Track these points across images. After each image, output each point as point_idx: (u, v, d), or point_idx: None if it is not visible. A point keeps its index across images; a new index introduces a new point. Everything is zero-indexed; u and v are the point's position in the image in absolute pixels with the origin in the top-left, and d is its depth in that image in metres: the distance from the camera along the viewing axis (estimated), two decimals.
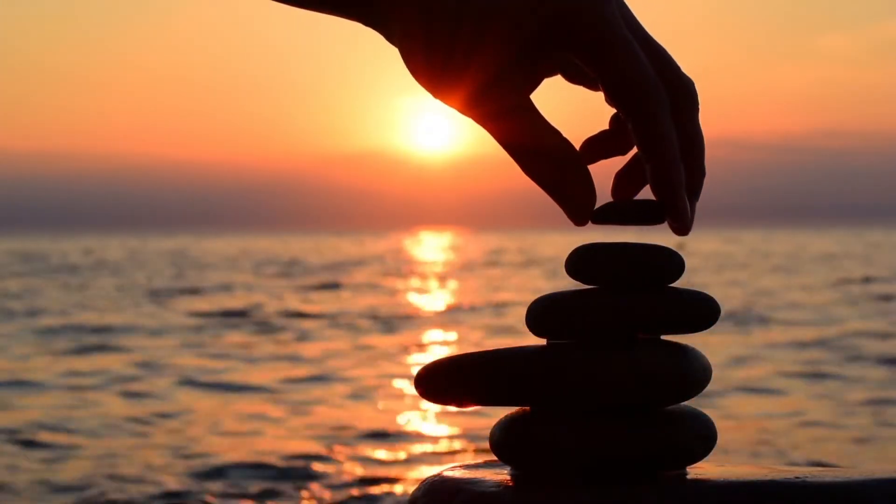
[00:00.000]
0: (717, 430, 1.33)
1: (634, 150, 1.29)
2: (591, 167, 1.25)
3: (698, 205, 1.29)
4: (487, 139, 1.18)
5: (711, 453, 1.34)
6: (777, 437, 10.17)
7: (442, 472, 1.34)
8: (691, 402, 1.36)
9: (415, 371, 1.37)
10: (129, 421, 11.06)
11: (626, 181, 1.32)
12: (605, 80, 1.14)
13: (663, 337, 1.32)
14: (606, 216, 1.31)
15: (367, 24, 1.15)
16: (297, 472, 8.49)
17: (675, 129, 1.17)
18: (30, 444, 9.76)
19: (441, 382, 1.31)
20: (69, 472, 8.45)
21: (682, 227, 1.25)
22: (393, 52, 1.17)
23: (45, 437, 9.97)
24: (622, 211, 1.31)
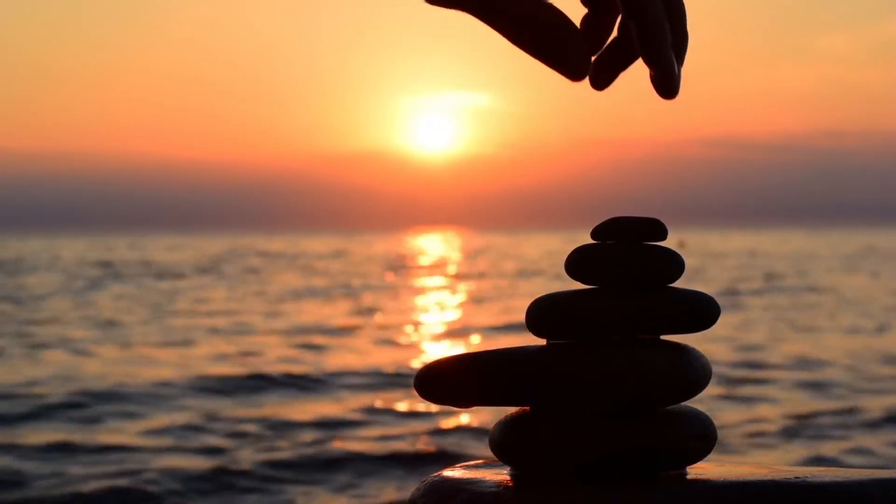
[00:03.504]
0: (717, 430, 1.34)
1: (612, 35, 1.29)
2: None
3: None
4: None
5: (711, 453, 1.34)
6: None
7: (442, 472, 1.34)
8: (691, 402, 1.36)
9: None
10: None
11: (605, 66, 1.30)
12: None
13: (663, 337, 1.32)
14: (609, 232, 1.32)
15: None
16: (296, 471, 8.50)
17: None
18: None
19: (441, 382, 1.31)
20: None
21: (667, 87, 1.23)
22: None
23: None
24: (625, 227, 1.31)
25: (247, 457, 8.95)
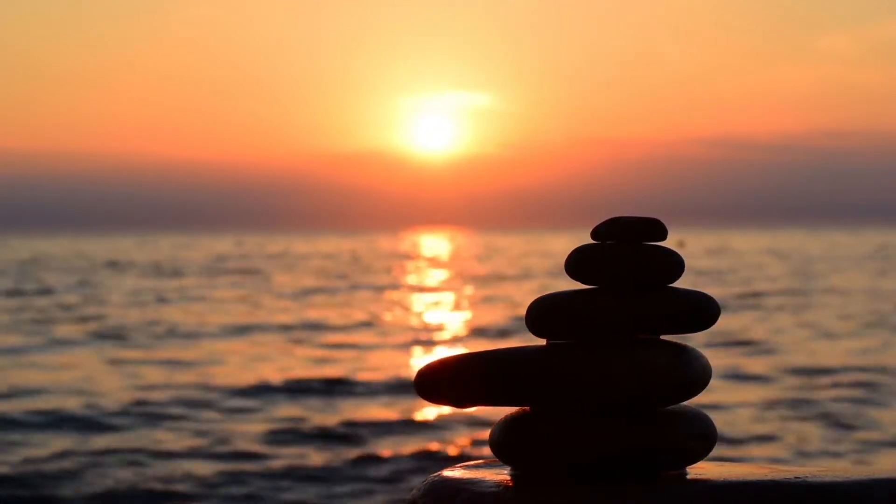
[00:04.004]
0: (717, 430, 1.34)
1: None
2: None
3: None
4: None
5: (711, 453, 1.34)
6: None
7: (442, 472, 1.35)
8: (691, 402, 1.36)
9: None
10: None
11: None
12: None
13: (663, 337, 1.32)
14: (609, 232, 1.32)
15: None
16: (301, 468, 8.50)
17: None
18: None
19: (441, 383, 1.32)
20: None
21: None
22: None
23: None
24: (625, 227, 1.32)
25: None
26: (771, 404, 10.94)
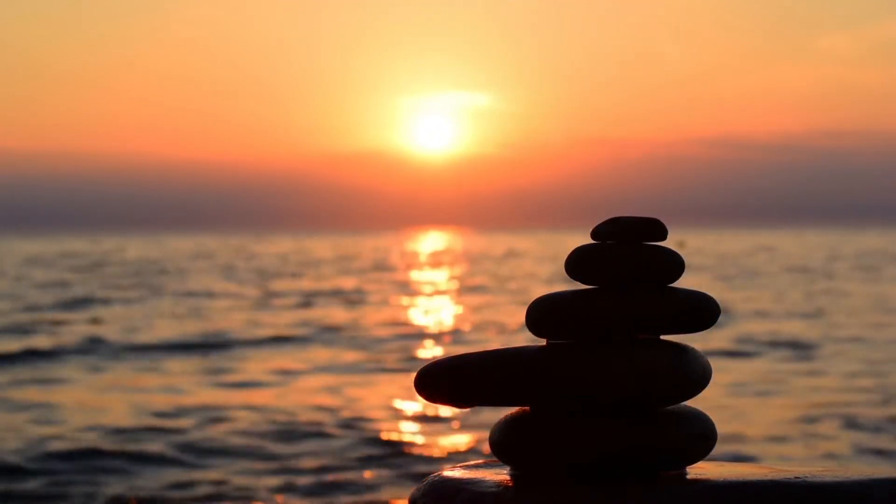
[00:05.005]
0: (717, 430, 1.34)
1: None
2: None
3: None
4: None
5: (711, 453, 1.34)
6: None
7: (442, 472, 1.35)
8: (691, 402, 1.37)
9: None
10: None
11: None
12: None
13: (663, 337, 1.33)
14: (609, 232, 1.32)
15: None
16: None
17: None
18: None
19: (441, 383, 1.32)
20: None
21: None
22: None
23: None
24: (625, 227, 1.32)
25: None
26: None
